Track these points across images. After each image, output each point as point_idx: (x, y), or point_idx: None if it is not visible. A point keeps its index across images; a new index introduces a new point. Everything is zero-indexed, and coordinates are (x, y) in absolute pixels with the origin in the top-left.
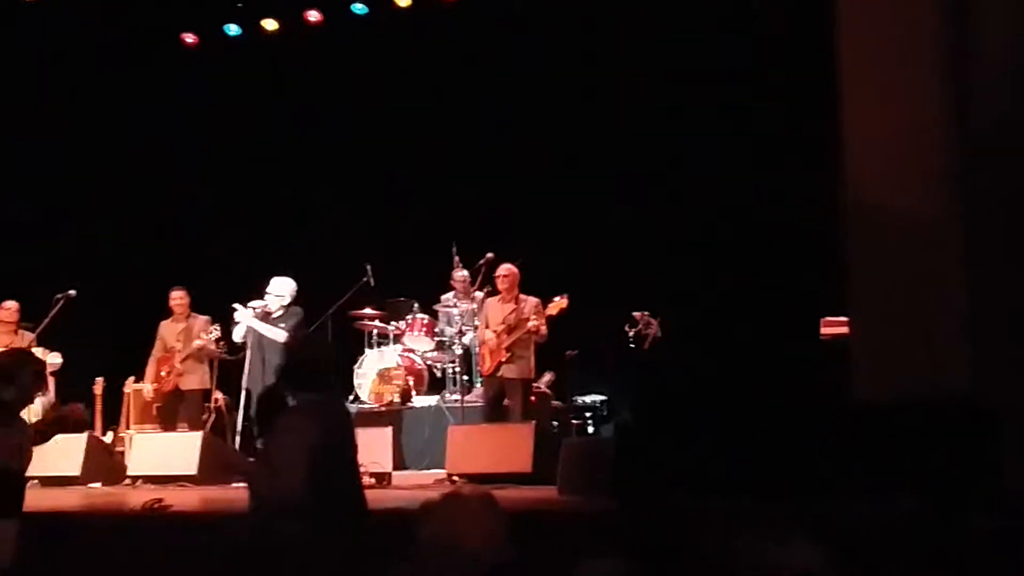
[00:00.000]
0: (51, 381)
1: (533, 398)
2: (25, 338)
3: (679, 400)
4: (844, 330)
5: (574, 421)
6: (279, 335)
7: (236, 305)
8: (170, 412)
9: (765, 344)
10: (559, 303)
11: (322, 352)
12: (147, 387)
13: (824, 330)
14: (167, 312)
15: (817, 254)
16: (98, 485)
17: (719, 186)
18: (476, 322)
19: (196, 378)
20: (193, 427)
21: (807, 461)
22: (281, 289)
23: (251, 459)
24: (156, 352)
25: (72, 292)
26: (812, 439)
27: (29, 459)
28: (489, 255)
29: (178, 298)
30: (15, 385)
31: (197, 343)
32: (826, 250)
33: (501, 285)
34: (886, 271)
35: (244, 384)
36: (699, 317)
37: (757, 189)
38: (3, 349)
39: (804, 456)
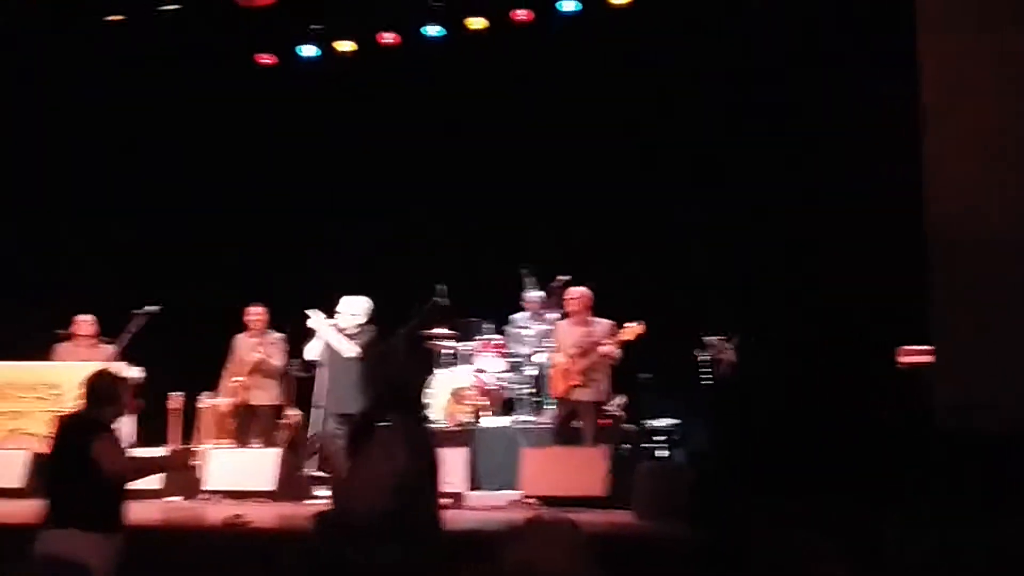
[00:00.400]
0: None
1: (604, 420)
2: (106, 351)
3: (760, 428)
4: (922, 359)
5: (645, 445)
6: (351, 350)
7: (310, 312)
8: (242, 427)
9: (843, 371)
10: (635, 329)
11: (409, 372)
12: (223, 401)
13: (902, 359)
14: (244, 327)
15: (898, 282)
16: (179, 499)
17: (797, 211)
18: (547, 343)
19: (267, 394)
20: (267, 443)
21: (889, 488)
22: (355, 308)
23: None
24: (231, 366)
25: (156, 307)
26: (894, 466)
27: (126, 471)
28: (561, 277)
29: (256, 314)
30: (111, 404)
31: (255, 355)
32: (907, 278)
33: (571, 308)
34: (970, 299)
35: (314, 401)
36: (775, 344)
37: (837, 215)
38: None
39: (886, 483)
